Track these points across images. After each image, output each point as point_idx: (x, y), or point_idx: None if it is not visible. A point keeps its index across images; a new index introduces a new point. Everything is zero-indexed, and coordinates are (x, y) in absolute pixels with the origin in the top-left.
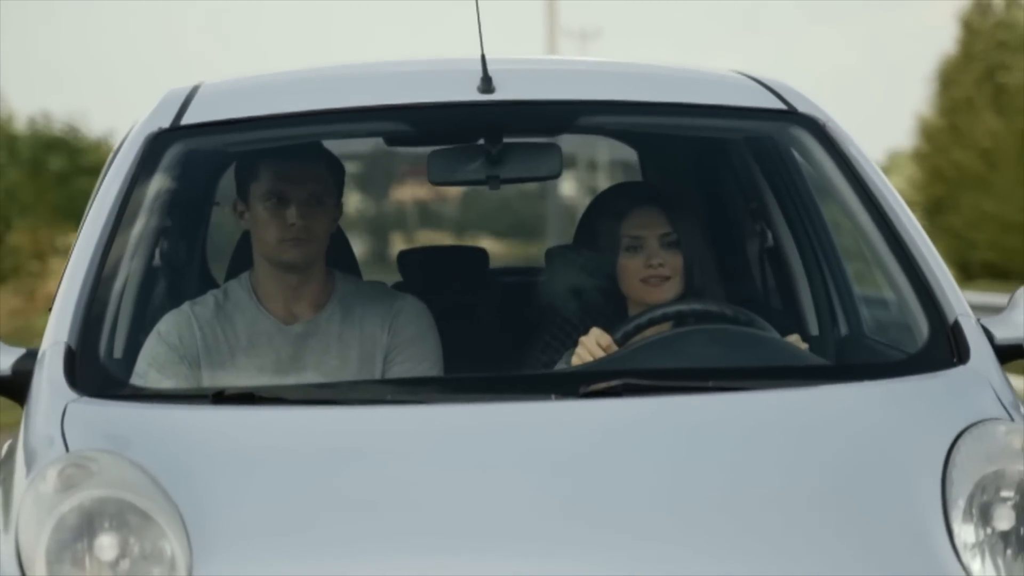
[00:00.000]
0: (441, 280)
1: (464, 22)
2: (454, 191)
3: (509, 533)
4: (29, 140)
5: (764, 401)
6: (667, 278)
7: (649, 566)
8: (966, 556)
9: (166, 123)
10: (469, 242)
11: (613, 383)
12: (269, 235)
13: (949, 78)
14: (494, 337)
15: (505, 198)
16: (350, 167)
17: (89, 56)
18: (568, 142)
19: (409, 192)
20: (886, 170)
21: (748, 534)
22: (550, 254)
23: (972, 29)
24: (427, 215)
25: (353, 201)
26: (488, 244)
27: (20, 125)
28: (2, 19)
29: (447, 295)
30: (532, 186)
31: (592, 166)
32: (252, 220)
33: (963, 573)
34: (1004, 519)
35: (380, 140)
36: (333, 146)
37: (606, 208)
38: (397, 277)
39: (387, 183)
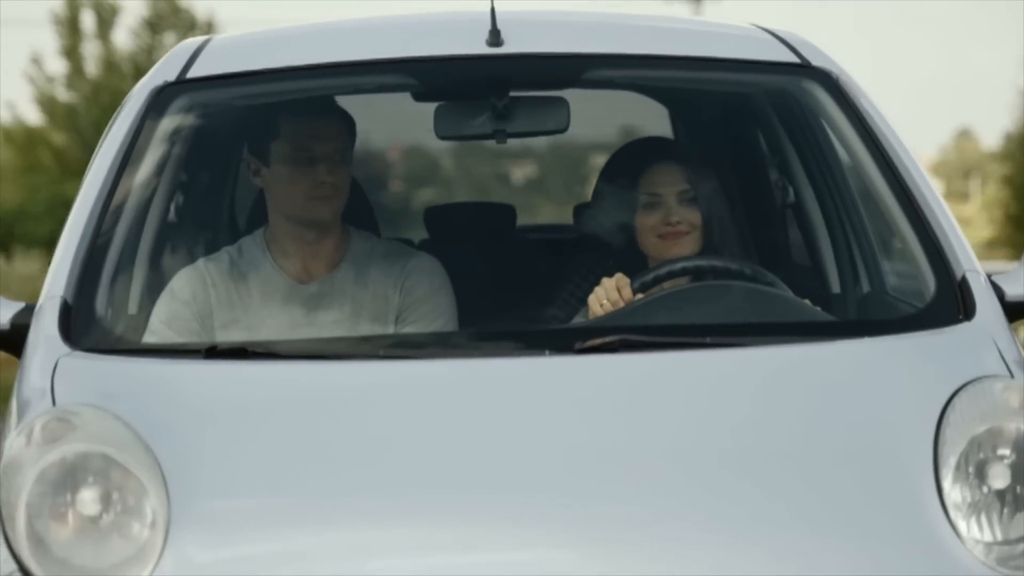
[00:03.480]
0: (467, 237)
1: None
2: None
3: (489, 486)
4: None
5: (761, 357)
6: (685, 233)
7: (624, 521)
8: (955, 516)
9: (172, 76)
10: None
11: (608, 339)
12: (296, 193)
13: None
14: (516, 294)
15: None
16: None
17: None
18: None
19: None
20: None
21: (727, 491)
22: (578, 211)
23: None
24: None
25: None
26: None
27: None
28: None
29: (472, 251)
30: None
31: None
32: (272, 178)
33: (952, 533)
34: (999, 477)
35: None
36: None
37: (623, 165)
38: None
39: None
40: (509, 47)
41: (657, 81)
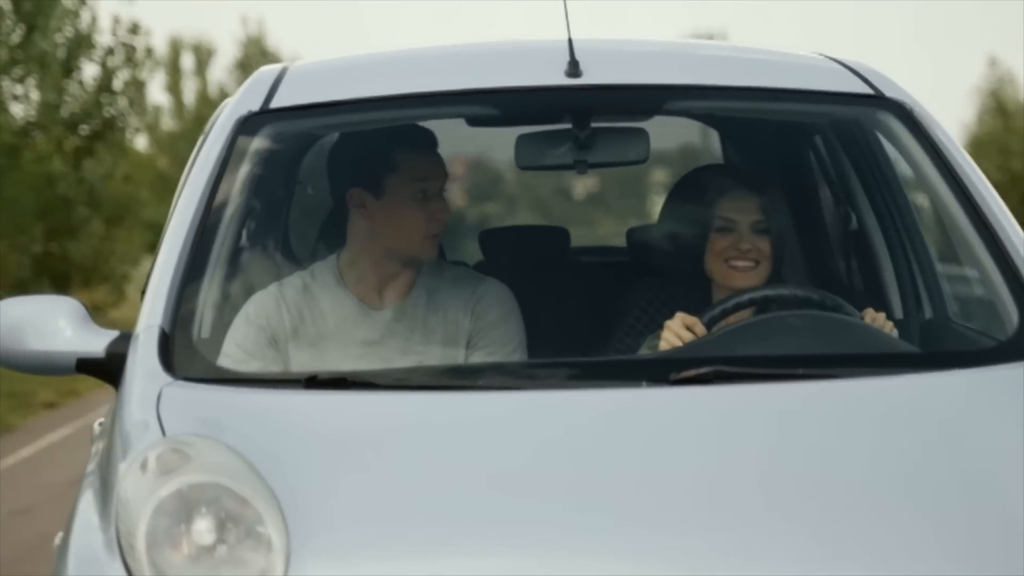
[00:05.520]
0: (523, 260)
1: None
2: None
3: (602, 516)
4: None
5: (853, 389)
6: (756, 263)
7: (739, 553)
8: None
9: (255, 106)
10: None
11: (704, 370)
12: (414, 229)
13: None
14: (577, 319)
15: None
16: None
17: None
18: None
19: None
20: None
21: (836, 523)
22: (632, 234)
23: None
24: None
25: None
26: None
27: None
28: None
29: (528, 275)
30: None
31: None
32: (385, 211)
33: None
34: None
35: None
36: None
37: (697, 189)
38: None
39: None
40: (588, 78)
41: (734, 112)
